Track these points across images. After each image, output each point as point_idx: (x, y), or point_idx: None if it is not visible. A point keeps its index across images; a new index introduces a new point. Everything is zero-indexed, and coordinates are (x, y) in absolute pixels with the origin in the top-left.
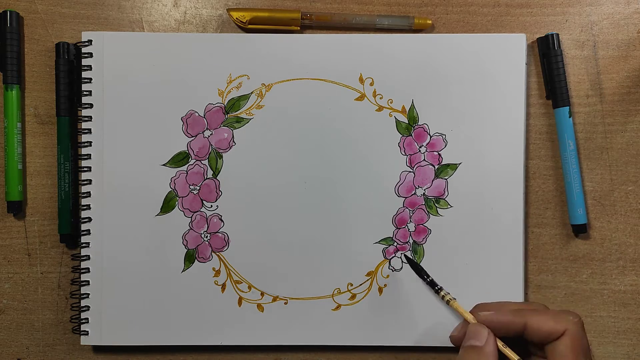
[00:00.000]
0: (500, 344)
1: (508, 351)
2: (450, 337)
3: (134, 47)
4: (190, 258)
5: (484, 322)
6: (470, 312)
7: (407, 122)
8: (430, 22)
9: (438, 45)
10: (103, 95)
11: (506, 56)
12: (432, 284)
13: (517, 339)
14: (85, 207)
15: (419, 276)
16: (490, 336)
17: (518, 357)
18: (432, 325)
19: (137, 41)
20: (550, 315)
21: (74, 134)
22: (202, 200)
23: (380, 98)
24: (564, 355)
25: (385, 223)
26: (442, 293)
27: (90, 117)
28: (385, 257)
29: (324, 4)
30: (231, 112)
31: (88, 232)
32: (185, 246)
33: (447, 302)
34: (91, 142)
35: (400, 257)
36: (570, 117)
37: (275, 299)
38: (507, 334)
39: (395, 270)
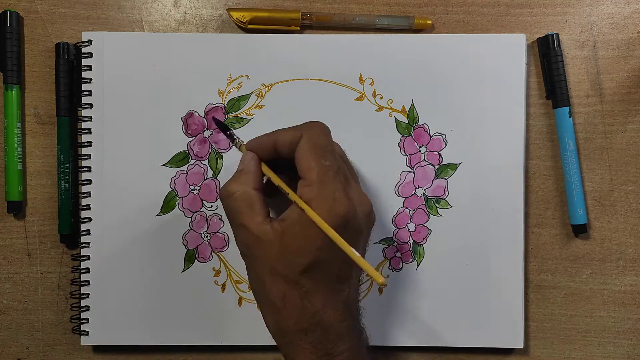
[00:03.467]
0: (263, 166)
1: (265, 169)
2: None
3: (134, 47)
4: (190, 258)
5: (250, 147)
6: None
7: (407, 122)
8: (430, 22)
9: (438, 45)
10: (103, 95)
11: (506, 56)
12: (229, 137)
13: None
14: (85, 207)
15: (221, 131)
16: (252, 159)
17: (274, 174)
18: (432, 325)
19: (137, 41)
20: (294, 128)
21: (74, 134)
22: (202, 200)
23: (380, 98)
24: (300, 159)
25: (385, 223)
26: (236, 142)
27: (90, 117)
28: (385, 257)
29: (324, 4)
30: (231, 112)
31: (88, 232)
32: (185, 246)
33: (239, 148)
34: (91, 142)
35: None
36: (570, 117)
37: None
38: (270, 156)
39: (395, 270)
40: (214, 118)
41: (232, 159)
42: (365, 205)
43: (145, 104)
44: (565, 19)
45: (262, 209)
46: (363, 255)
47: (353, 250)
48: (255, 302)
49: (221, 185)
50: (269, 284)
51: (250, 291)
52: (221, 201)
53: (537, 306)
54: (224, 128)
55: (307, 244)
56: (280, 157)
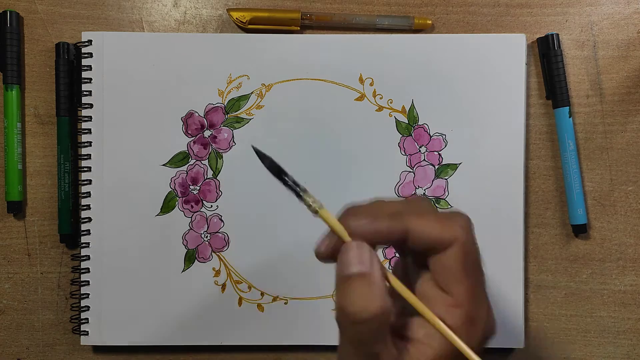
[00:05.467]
0: (390, 275)
1: (396, 283)
2: (316, 253)
3: (134, 47)
4: (190, 258)
5: (359, 234)
6: (339, 220)
7: (407, 122)
8: (430, 22)
9: (438, 45)
10: (103, 95)
11: (506, 56)
12: (292, 187)
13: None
14: (85, 207)
15: (275, 175)
16: (374, 256)
17: (412, 295)
18: None
19: (137, 41)
20: (435, 219)
21: (74, 134)
22: (202, 200)
23: (380, 98)
24: (450, 270)
25: None
26: (306, 197)
27: (90, 117)
28: (385, 257)
29: (324, 4)
30: (231, 112)
31: (88, 232)
32: (185, 246)
33: (315, 213)
34: (91, 142)
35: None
36: (570, 117)
37: (275, 299)
38: (384, 244)
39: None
40: (253, 148)
41: (232, 159)
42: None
43: (145, 104)
44: (565, 19)
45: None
46: None
47: None
48: (254, 302)
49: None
50: None
51: (250, 291)
52: (343, 322)
53: (537, 306)
54: (281, 177)
55: None
56: (393, 243)
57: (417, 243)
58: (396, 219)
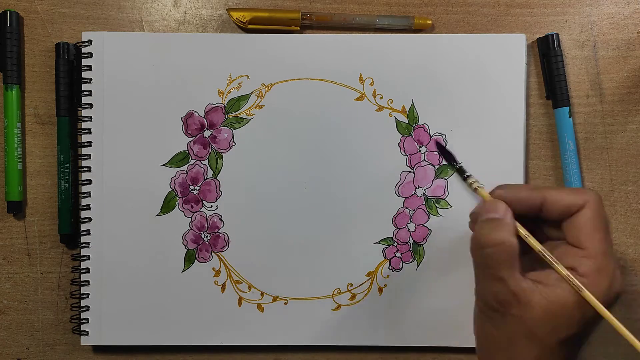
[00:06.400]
0: (517, 224)
1: (522, 230)
2: (470, 214)
3: (134, 47)
4: (190, 258)
5: (503, 196)
6: (490, 191)
7: (407, 122)
8: (430, 22)
9: (438, 45)
10: (103, 95)
11: (506, 56)
12: (460, 171)
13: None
14: (85, 207)
15: (447, 162)
16: (508, 210)
17: (535, 241)
18: (432, 325)
19: (137, 41)
20: (569, 190)
21: (74, 134)
22: (202, 200)
23: (380, 98)
24: (583, 227)
25: (385, 223)
26: (469, 180)
27: (90, 117)
28: (385, 257)
29: (324, 4)
30: (231, 112)
31: (88, 232)
32: (185, 246)
33: (475, 190)
34: (91, 142)
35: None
36: (570, 117)
37: (275, 299)
38: (524, 211)
39: (395, 270)
40: (436, 142)
41: (232, 159)
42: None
43: (145, 104)
44: (565, 19)
45: (520, 264)
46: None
47: (628, 333)
48: (254, 302)
49: None
50: (520, 346)
51: (250, 291)
52: (475, 249)
53: None
54: (450, 159)
55: (577, 315)
56: (535, 215)
57: (553, 208)
58: (535, 190)
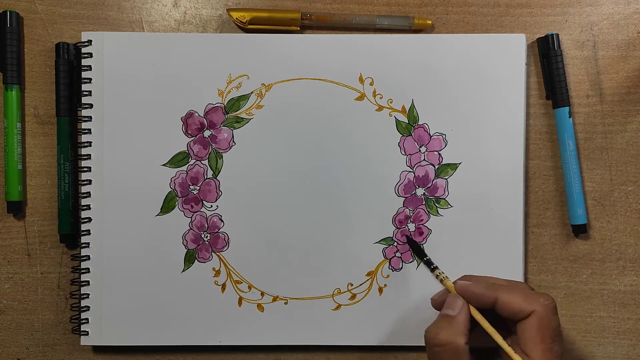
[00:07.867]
0: (476, 312)
1: (479, 317)
2: (431, 300)
3: (134, 47)
4: (190, 258)
5: (460, 290)
6: (454, 281)
7: (407, 122)
8: (430, 22)
9: (438, 45)
10: (103, 95)
11: (506, 56)
12: (428, 263)
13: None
14: (85, 207)
15: (418, 256)
16: (464, 306)
17: (490, 326)
18: None
19: (137, 41)
20: (522, 294)
21: (74, 134)
22: (202, 200)
23: (380, 98)
24: (528, 336)
25: (385, 223)
26: (436, 272)
27: (90, 117)
28: (385, 257)
29: (324, 4)
30: (231, 112)
31: (88, 232)
32: (185, 246)
33: (441, 281)
34: (91, 142)
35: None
36: (570, 117)
37: (275, 299)
38: (481, 306)
39: (395, 270)
40: (406, 237)
41: (232, 159)
42: None
43: (145, 104)
44: (565, 19)
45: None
46: None
47: None
48: (254, 302)
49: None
50: None
51: (250, 291)
52: (426, 344)
53: None
54: (420, 254)
55: None
56: (488, 309)
57: (504, 309)
58: (490, 288)
